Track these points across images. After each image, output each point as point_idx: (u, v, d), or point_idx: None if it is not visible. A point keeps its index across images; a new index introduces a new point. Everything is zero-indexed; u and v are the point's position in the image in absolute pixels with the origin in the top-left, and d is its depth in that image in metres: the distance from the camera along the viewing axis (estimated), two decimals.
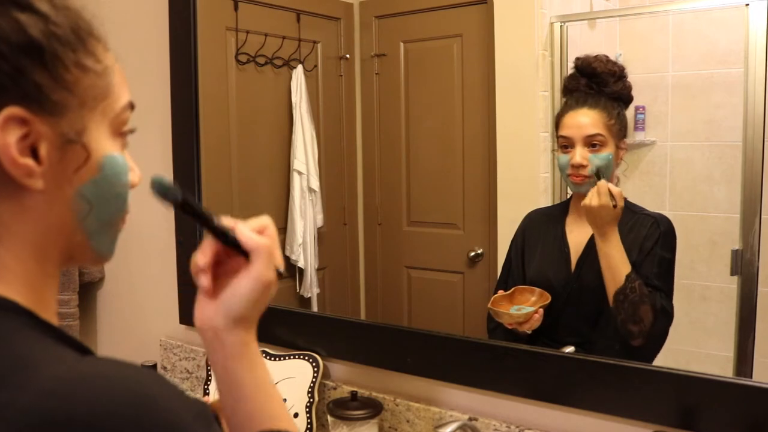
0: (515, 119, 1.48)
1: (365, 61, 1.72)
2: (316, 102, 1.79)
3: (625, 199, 1.29)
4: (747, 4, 1.20)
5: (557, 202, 1.42)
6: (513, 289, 1.40)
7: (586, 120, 1.31)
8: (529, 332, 1.35)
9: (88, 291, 2.04)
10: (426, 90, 1.64)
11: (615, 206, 1.25)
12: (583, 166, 1.30)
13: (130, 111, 0.63)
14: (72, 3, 0.58)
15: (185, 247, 1.72)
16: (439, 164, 1.66)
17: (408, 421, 1.43)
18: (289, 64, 1.76)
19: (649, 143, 1.35)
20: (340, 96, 1.79)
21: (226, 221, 0.70)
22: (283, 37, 1.76)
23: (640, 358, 1.24)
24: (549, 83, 1.41)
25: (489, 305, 1.39)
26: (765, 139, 1.17)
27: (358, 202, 1.78)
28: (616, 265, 1.26)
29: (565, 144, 1.32)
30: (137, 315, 1.98)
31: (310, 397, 1.50)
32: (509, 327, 1.36)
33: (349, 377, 1.56)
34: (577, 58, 1.34)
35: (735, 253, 1.24)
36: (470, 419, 1.33)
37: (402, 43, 1.65)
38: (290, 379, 1.53)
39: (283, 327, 1.63)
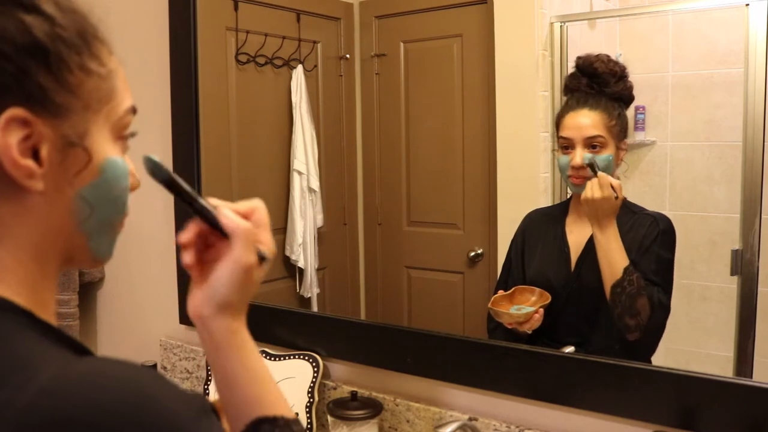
0: (515, 119, 1.48)
1: (365, 61, 1.72)
2: (316, 102, 1.79)
3: (625, 199, 1.29)
4: (747, 4, 1.20)
5: (557, 202, 1.42)
6: (513, 289, 1.40)
7: (586, 121, 1.31)
8: (530, 332, 1.35)
9: (88, 291, 2.04)
10: (426, 90, 1.64)
11: (616, 198, 1.25)
12: (583, 168, 1.30)
13: (132, 115, 0.63)
14: (78, 6, 0.58)
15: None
16: (439, 164, 1.66)
17: (408, 421, 1.43)
18: (289, 64, 1.76)
19: (649, 143, 1.35)
20: (340, 96, 1.79)
21: (212, 201, 0.69)
22: (283, 37, 1.76)
23: (637, 354, 1.24)
24: (549, 83, 1.41)
25: (489, 305, 1.39)
26: (765, 139, 1.17)
27: (358, 202, 1.78)
28: (614, 257, 1.26)
29: (565, 145, 1.32)
30: (137, 315, 1.98)
31: (310, 397, 1.50)
32: (509, 327, 1.36)
33: (349, 377, 1.56)
34: (578, 58, 1.34)
35: (735, 253, 1.24)
36: (470, 419, 1.33)
37: (402, 43, 1.65)
38: (290, 379, 1.53)
39: (283, 327, 1.63)
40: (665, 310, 1.27)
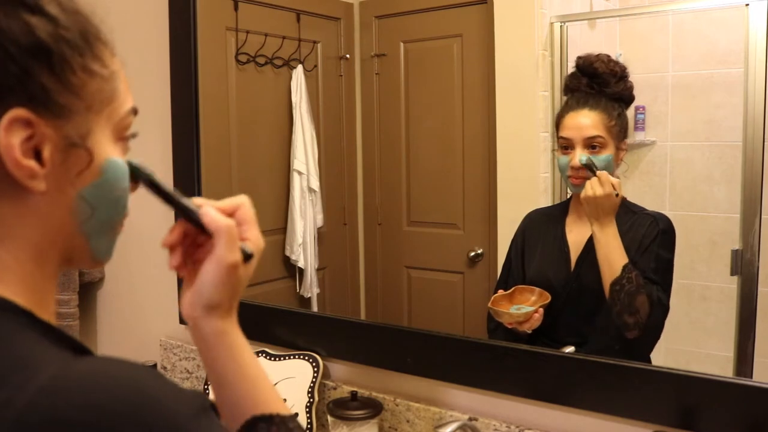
0: (515, 119, 1.48)
1: (365, 61, 1.72)
2: (316, 102, 1.79)
3: (625, 199, 1.29)
4: (747, 4, 1.20)
5: (557, 202, 1.42)
6: (513, 288, 1.40)
7: (586, 121, 1.31)
8: (529, 332, 1.35)
9: (88, 291, 2.04)
10: (426, 90, 1.64)
11: (617, 195, 1.25)
12: (582, 168, 1.30)
13: (133, 116, 0.64)
14: (81, 7, 0.59)
15: None
16: (439, 164, 1.66)
17: (408, 421, 1.43)
18: (289, 64, 1.76)
19: (649, 143, 1.35)
20: (340, 96, 1.79)
21: (196, 201, 0.69)
22: (283, 37, 1.76)
23: (636, 353, 1.24)
24: (549, 83, 1.41)
25: (489, 305, 1.39)
26: (765, 139, 1.17)
27: (358, 202, 1.78)
28: (614, 255, 1.26)
29: (565, 145, 1.32)
30: (137, 315, 1.98)
31: (310, 397, 1.50)
32: (509, 326, 1.37)
33: (349, 377, 1.56)
34: (579, 58, 1.34)
35: (735, 253, 1.24)
36: (470, 419, 1.33)
37: (402, 43, 1.65)
38: (290, 379, 1.53)
39: (283, 327, 1.63)
40: (664, 308, 1.27)
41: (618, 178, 1.30)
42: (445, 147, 1.64)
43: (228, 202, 0.72)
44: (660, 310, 1.27)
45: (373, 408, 1.41)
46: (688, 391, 1.13)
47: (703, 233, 1.31)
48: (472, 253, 1.58)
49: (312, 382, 1.52)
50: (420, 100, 1.65)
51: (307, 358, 1.55)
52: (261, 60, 1.76)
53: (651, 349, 1.28)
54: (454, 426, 1.24)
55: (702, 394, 1.12)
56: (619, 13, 1.44)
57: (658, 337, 1.28)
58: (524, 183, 1.48)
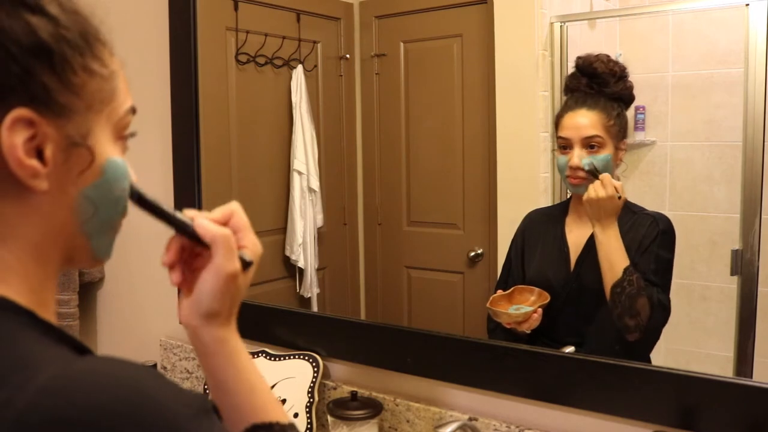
0: (515, 119, 1.48)
1: (365, 61, 1.72)
2: (316, 102, 1.79)
3: (625, 200, 1.29)
4: (747, 4, 1.20)
5: (557, 202, 1.42)
6: (512, 288, 1.40)
7: (584, 121, 1.31)
8: (528, 332, 1.35)
9: (88, 291, 2.04)
10: (426, 90, 1.64)
11: (619, 197, 1.25)
12: (581, 168, 1.30)
13: (132, 115, 0.64)
14: (81, 8, 0.59)
15: None
16: (439, 164, 1.66)
17: (408, 421, 1.43)
18: (289, 64, 1.77)
19: (649, 143, 1.35)
20: (340, 96, 1.79)
21: (189, 213, 0.69)
22: (283, 37, 1.76)
23: (636, 354, 1.24)
24: (549, 83, 1.41)
25: (488, 305, 1.39)
26: (765, 139, 1.17)
27: (358, 202, 1.78)
28: (615, 257, 1.26)
29: (563, 145, 1.33)
30: (137, 315, 1.98)
31: (310, 397, 1.50)
32: (508, 327, 1.37)
33: (349, 377, 1.56)
34: (579, 58, 1.34)
35: (735, 253, 1.24)
36: (470, 419, 1.33)
37: (402, 43, 1.65)
38: (290, 379, 1.53)
39: (283, 327, 1.63)
40: (665, 311, 1.27)
41: (618, 178, 1.30)
42: (445, 147, 1.64)
43: (220, 212, 0.71)
44: (661, 312, 1.27)
45: (373, 408, 1.41)
46: (688, 391, 1.13)
47: (703, 233, 1.31)
48: (472, 253, 1.58)
49: (312, 382, 1.52)
50: (420, 100, 1.65)
51: (307, 358, 1.55)
52: (261, 60, 1.76)
53: (650, 349, 1.28)
54: (454, 426, 1.24)
55: (702, 394, 1.12)
56: (619, 13, 1.44)
57: (657, 340, 1.28)
58: (524, 183, 1.48)
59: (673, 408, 1.14)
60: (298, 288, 1.81)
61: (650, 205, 1.32)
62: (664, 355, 1.28)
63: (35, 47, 0.54)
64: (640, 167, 1.36)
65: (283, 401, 1.51)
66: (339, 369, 1.57)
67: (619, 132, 1.31)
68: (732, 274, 1.25)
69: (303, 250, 1.79)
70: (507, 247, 1.45)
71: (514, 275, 1.43)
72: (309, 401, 1.50)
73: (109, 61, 0.61)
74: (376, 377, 1.50)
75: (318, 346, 1.57)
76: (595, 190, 1.26)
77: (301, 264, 1.80)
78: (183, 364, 1.82)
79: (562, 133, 1.33)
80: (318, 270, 1.82)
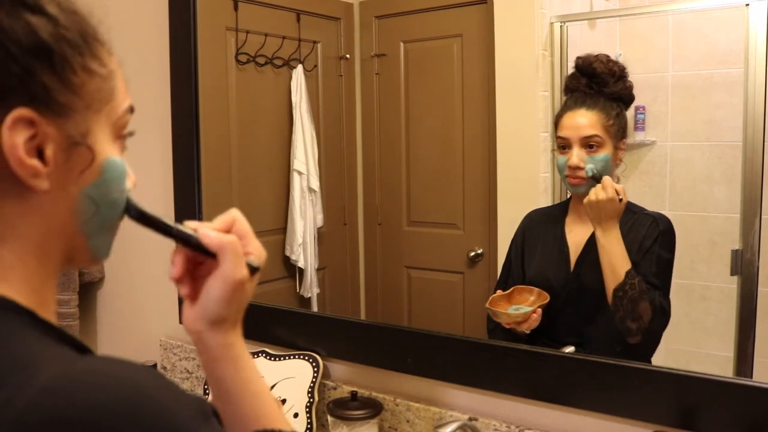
0: (515, 119, 1.48)
1: (365, 61, 1.72)
2: (316, 102, 1.79)
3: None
4: (747, 4, 1.20)
5: (557, 202, 1.42)
6: (512, 288, 1.40)
7: (583, 121, 1.31)
8: (528, 332, 1.35)
9: (88, 291, 2.04)
10: (426, 90, 1.64)
11: (621, 200, 1.25)
12: (579, 168, 1.30)
13: (130, 114, 0.64)
14: (79, 7, 0.59)
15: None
16: (439, 164, 1.66)
17: (408, 421, 1.43)
18: (289, 64, 1.77)
19: (649, 143, 1.35)
20: (340, 96, 1.79)
21: (190, 225, 0.69)
22: (283, 37, 1.76)
23: (637, 357, 1.24)
24: (549, 83, 1.41)
25: (487, 305, 1.39)
26: (765, 139, 1.17)
27: (358, 202, 1.78)
28: (617, 261, 1.26)
29: (562, 145, 1.33)
30: (137, 315, 1.98)
31: (310, 397, 1.50)
32: (507, 327, 1.37)
33: (349, 377, 1.56)
34: (578, 58, 1.34)
35: (735, 253, 1.24)
36: (470, 419, 1.33)
37: (402, 43, 1.65)
38: (290, 379, 1.53)
39: (283, 327, 1.63)
40: (666, 315, 1.27)
41: (618, 179, 1.30)
42: (445, 147, 1.64)
43: (221, 220, 0.71)
44: (662, 316, 1.27)
45: (373, 408, 1.41)
46: (688, 391, 1.13)
47: (703, 233, 1.31)
48: (472, 253, 1.58)
49: (312, 382, 1.52)
50: (420, 100, 1.65)
51: (307, 358, 1.55)
52: (261, 60, 1.76)
53: (652, 353, 1.28)
54: (454, 426, 1.24)
55: (702, 394, 1.12)
56: (619, 13, 1.44)
57: (658, 343, 1.28)
58: (524, 183, 1.48)
59: (673, 408, 1.14)
60: (298, 288, 1.81)
61: (650, 205, 1.32)
62: (664, 355, 1.28)
63: (35, 47, 0.54)
64: (640, 167, 1.36)
65: (283, 401, 1.51)
66: (339, 369, 1.57)
67: (618, 132, 1.31)
68: (732, 274, 1.25)
69: (303, 250, 1.79)
70: (507, 247, 1.45)
71: (514, 275, 1.43)
72: (309, 401, 1.50)
73: (107, 61, 0.61)
74: (376, 377, 1.50)
75: (318, 346, 1.57)
76: (596, 193, 1.26)
77: (301, 264, 1.80)
78: (183, 364, 1.82)
79: (561, 133, 1.33)
80: (318, 270, 1.82)
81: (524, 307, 1.36)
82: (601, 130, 1.30)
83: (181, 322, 1.82)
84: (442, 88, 1.61)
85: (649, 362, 1.27)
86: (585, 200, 1.28)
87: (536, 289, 1.37)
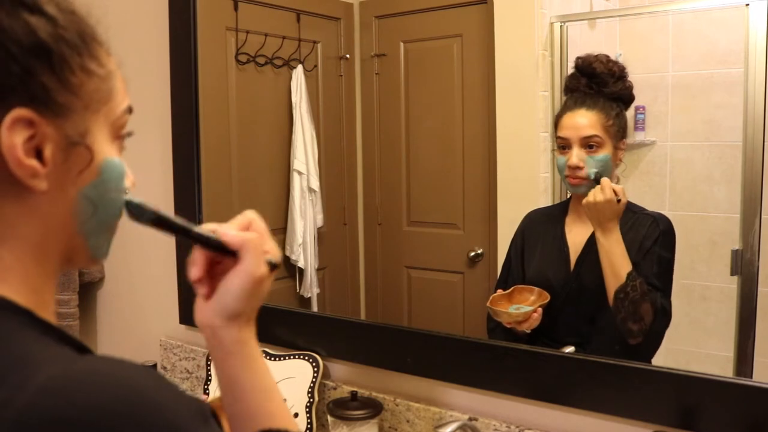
0: (515, 119, 1.48)
1: (365, 61, 1.72)
2: (316, 102, 1.79)
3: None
4: (747, 4, 1.20)
5: (557, 202, 1.42)
6: (512, 288, 1.40)
7: (583, 121, 1.31)
8: (528, 331, 1.35)
9: (88, 291, 2.04)
10: (426, 90, 1.64)
11: (619, 201, 1.25)
12: (579, 168, 1.30)
13: (129, 115, 0.64)
14: (77, 8, 0.59)
15: (185, 247, 1.72)
16: (439, 164, 1.66)
17: (408, 421, 1.43)
18: (289, 64, 1.77)
19: (649, 143, 1.35)
20: (340, 96, 1.79)
21: (208, 226, 0.70)
22: (283, 37, 1.76)
23: (638, 358, 1.24)
24: (549, 83, 1.41)
25: (488, 304, 1.39)
26: (765, 139, 1.17)
27: (358, 202, 1.78)
28: (618, 262, 1.26)
29: (562, 145, 1.33)
30: (137, 315, 1.98)
31: (310, 397, 1.50)
32: (507, 326, 1.37)
33: (349, 377, 1.56)
34: (578, 58, 1.34)
35: (735, 253, 1.24)
36: (470, 419, 1.33)
37: (402, 43, 1.65)
38: (290, 379, 1.53)
39: (283, 327, 1.63)
40: (667, 316, 1.27)
41: (618, 179, 1.30)
42: (445, 147, 1.64)
43: (239, 221, 0.73)
44: (663, 317, 1.27)
45: (373, 408, 1.41)
46: (688, 391, 1.13)
47: (703, 233, 1.31)
48: (472, 253, 1.58)
49: (312, 382, 1.52)
50: (420, 100, 1.65)
51: (307, 358, 1.55)
52: (261, 60, 1.76)
53: (653, 354, 1.28)
54: (454, 426, 1.24)
55: (702, 394, 1.12)
56: (619, 13, 1.44)
57: (659, 344, 1.28)
58: (524, 183, 1.48)
59: (673, 408, 1.14)
60: (298, 288, 1.81)
61: (650, 205, 1.32)
62: (664, 355, 1.28)
63: (35, 47, 0.54)
64: (640, 167, 1.36)
65: (284, 400, 1.51)
66: (339, 369, 1.57)
67: (618, 132, 1.31)
68: (732, 274, 1.25)
69: (303, 250, 1.79)
70: (507, 247, 1.45)
71: (514, 275, 1.43)
72: (309, 401, 1.50)
73: (106, 61, 0.61)
74: (376, 377, 1.50)
75: (318, 346, 1.57)
76: (594, 195, 1.26)
77: (301, 264, 1.80)
78: (183, 364, 1.82)
79: (561, 133, 1.33)
80: (318, 270, 1.82)
81: (525, 306, 1.36)
82: (601, 130, 1.30)
83: (181, 322, 1.83)
84: (442, 88, 1.61)
85: (649, 362, 1.27)
86: (584, 202, 1.28)
87: (537, 289, 1.37)
